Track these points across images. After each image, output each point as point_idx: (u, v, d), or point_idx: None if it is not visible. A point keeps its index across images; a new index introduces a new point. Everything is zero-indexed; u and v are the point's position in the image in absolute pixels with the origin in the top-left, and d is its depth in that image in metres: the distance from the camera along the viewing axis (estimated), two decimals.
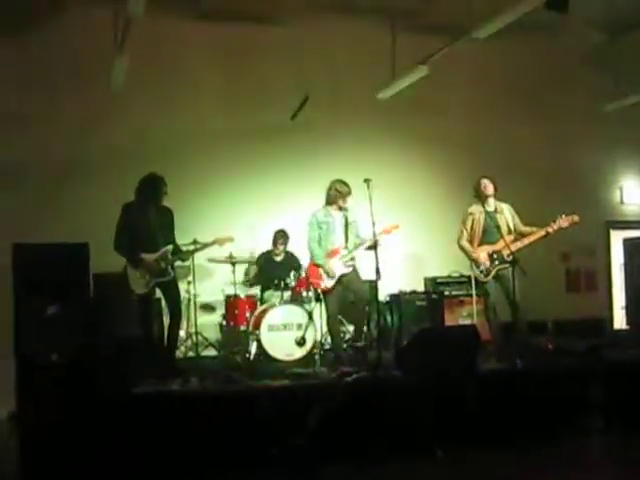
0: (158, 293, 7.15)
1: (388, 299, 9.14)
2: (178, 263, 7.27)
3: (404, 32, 9.09)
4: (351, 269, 7.39)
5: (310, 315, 7.82)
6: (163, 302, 7.28)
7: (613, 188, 11.08)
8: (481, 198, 7.59)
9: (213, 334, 8.71)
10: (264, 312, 7.94)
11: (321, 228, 7.41)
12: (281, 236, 8.71)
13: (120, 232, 6.81)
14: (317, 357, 7.56)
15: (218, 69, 9.25)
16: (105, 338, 6.72)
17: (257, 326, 7.83)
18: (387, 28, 9.12)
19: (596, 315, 9.95)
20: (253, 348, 7.91)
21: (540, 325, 8.98)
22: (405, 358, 6.57)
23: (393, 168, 9.56)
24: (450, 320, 8.84)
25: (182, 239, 7.29)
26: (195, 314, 7.95)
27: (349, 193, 7.41)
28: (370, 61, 9.22)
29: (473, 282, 7.76)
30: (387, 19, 9.11)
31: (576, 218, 7.45)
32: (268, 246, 8.77)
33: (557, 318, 9.46)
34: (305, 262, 7.99)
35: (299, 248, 8.47)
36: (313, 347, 7.74)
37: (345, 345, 8.06)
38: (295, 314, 7.88)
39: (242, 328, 8.21)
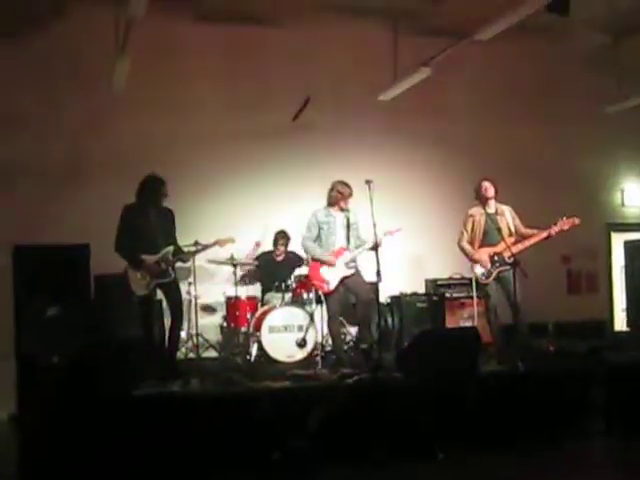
0: (159, 294, 7.15)
1: (389, 301, 9.13)
2: (179, 264, 7.27)
3: (406, 34, 9.09)
4: (353, 270, 7.38)
5: (311, 317, 7.81)
6: (164, 303, 7.27)
7: (614, 190, 11.07)
8: (482, 200, 7.59)
9: (214, 335, 8.71)
10: (265, 313, 7.94)
11: (322, 228, 7.40)
12: (282, 236, 8.71)
13: (121, 234, 6.80)
14: (318, 359, 7.55)
15: (219, 70, 9.25)
16: (106, 339, 6.72)
17: (258, 327, 7.84)
18: (389, 30, 9.13)
19: (597, 317, 9.93)
20: (254, 349, 7.91)
21: (541, 327, 8.98)
22: (406, 360, 6.57)
23: (394, 169, 9.55)
24: (451, 322, 8.84)
25: (183, 240, 7.29)
26: (196, 315, 7.95)
27: (350, 194, 7.40)
28: (372, 63, 9.22)
29: (474, 284, 7.76)
30: (389, 21, 9.12)
31: (577, 221, 7.45)
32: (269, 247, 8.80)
33: (558, 320, 9.44)
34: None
35: (299, 249, 8.47)
36: (314, 349, 7.74)
37: (346, 347, 8.07)
38: (296, 315, 7.88)
39: (243, 329, 8.21)
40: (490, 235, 7.51)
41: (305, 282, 7.99)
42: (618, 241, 10.71)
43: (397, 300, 9.14)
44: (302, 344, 7.76)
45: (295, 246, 8.60)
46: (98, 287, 7.92)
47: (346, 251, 7.38)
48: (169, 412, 5.66)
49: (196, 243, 7.50)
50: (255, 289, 8.83)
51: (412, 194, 9.76)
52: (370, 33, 9.25)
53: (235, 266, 8.46)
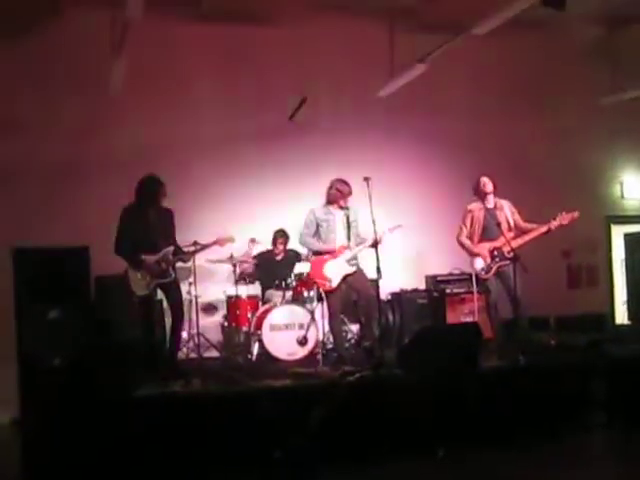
0: (160, 295, 7.17)
1: (389, 298, 9.14)
2: (179, 264, 7.28)
3: (402, 30, 9.08)
4: (355, 268, 7.40)
5: (312, 314, 7.82)
6: (165, 303, 7.28)
7: (613, 183, 11.06)
8: (480, 196, 7.61)
9: (215, 335, 8.72)
10: (266, 312, 7.94)
11: (321, 226, 7.42)
12: (281, 235, 8.71)
13: (120, 235, 6.81)
14: (319, 357, 7.56)
15: (217, 70, 9.23)
16: (107, 341, 6.73)
17: (259, 326, 7.84)
18: (386, 26, 9.11)
19: (597, 310, 9.93)
20: (255, 348, 7.92)
21: (542, 321, 8.97)
22: (407, 357, 6.57)
23: (393, 166, 9.55)
24: (452, 318, 8.84)
25: (183, 240, 7.30)
26: (197, 315, 7.95)
27: (350, 193, 7.41)
28: (369, 60, 9.21)
29: (474, 279, 7.77)
30: (385, 17, 9.10)
31: (576, 215, 7.46)
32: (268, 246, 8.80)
33: (558, 314, 9.44)
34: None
35: (298, 247, 8.48)
36: (315, 347, 7.74)
37: (347, 345, 8.08)
38: (297, 314, 7.89)
39: (244, 328, 8.22)
40: (489, 230, 7.52)
41: (306, 280, 8.00)
42: (618, 234, 10.71)
43: (397, 297, 9.15)
44: (303, 342, 7.76)
45: (294, 245, 8.61)
46: (98, 288, 7.93)
47: (347, 249, 7.39)
48: (170, 412, 5.67)
49: (195, 243, 7.51)
50: (256, 288, 8.84)
51: (411, 190, 9.75)
52: (367, 30, 9.23)
53: (235, 265, 8.47)
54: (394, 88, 9.02)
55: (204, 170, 9.00)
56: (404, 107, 9.41)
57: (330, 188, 7.47)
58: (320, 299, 7.69)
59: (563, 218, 7.42)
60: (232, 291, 8.50)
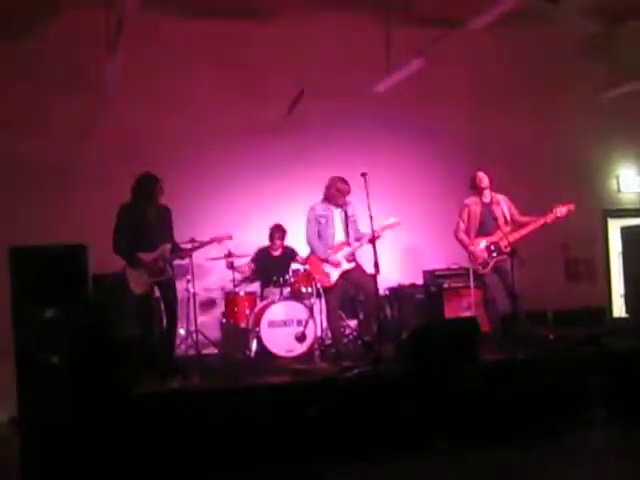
0: (158, 292, 7.16)
1: (387, 293, 9.14)
2: (177, 262, 7.27)
3: (399, 24, 9.04)
4: (354, 264, 7.40)
5: (310, 311, 7.81)
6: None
7: (610, 177, 11.07)
8: (477, 190, 7.62)
9: (213, 332, 8.71)
10: (264, 309, 7.94)
11: (320, 222, 7.42)
12: (278, 230, 8.69)
13: (118, 233, 6.81)
14: (318, 353, 7.55)
15: (213, 66, 9.21)
16: (105, 339, 6.71)
17: (257, 323, 7.83)
18: (382, 20, 9.09)
19: (595, 304, 9.94)
20: (253, 345, 7.91)
21: (540, 315, 8.98)
22: (406, 352, 6.58)
23: (390, 161, 9.55)
24: (450, 312, 8.83)
25: (180, 237, 7.29)
26: (195, 312, 7.95)
27: (349, 192, 7.42)
28: (365, 55, 9.18)
29: (472, 274, 7.77)
30: (381, 11, 9.08)
31: (572, 207, 7.48)
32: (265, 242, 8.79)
33: (556, 308, 9.46)
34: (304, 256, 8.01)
35: (296, 243, 8.47)
36: (313, 343, 7.74)
37: (345, 340, 8.07)
38: (295, 310, 7.88)
39: (242, 325, 8.21)
40: (486, 225, 7.55)
41: (304, 276, 7.99)
42: (615, 227, 10.72)
43: (395, 292, 9.15)
44: (302, 338, 7.76)
45: (292, 242, 8.61)
46: (96, 286, 7.91)
47: (346, 246, 7.40)
48: (169, 409, 5.66)
49: (192, 240, 7.51)
50: (253, 284, 8.83)
51: (408, 185, 9.74)
52: (363, 25, 9.21)
53: (233, 263, 8.46)
54: (391, 83, 9.00)
55: (201, 167, 9.00)
56: (401, 102, 9.40)
57: (330, 187, 7.46)
58: (318, 295, 7.69)
59: (559, 210, 7.44)
60: (230, 288, 8.50)
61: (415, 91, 9.31)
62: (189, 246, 7.40)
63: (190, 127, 9.00)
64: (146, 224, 6.84)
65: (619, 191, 11.13)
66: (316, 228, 7.43)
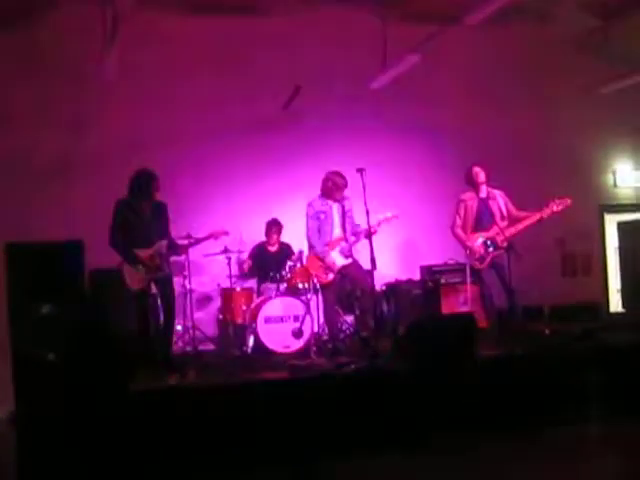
0: (154, 289, 7.14)
1: (384, 288, 9.14)
2: (173, 258, 7.26)
3: (395, 20, 9.04)
4: (351, 260, 7.41)
5: (307, 306, 7.81)
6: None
7: (606, 172, 11.07)
8: (473, 185, 7.62)
9: (210, 328, 8.71)
10: (260, 304, 7.93)
11: (319, 218, 7.41)
12: (274, 225, 8.68)
13: (114, 229, 6.80)
14: (314, 349, 7.55)
15: (210, 61, 9.18)
16: (102, 335, 6.71)
17: (254, 319, 7.83)
18: (379, 16, 9.08)
19: (592, 299, 9.95)
20: (250, 341, 7.91)
21: (536, 310, 9.00)
22: (403, 347, 6.58)
23: (386, 157, 9.53)
24: (447, 308, 8.82)
25: (176, 233, 7.29)
26: (191, 308, 7.94)
27: (345, 185, 7.42)
28: (362, 50, 9.17)
29: (468, 269, 7.77)
30: (378, 7, 9.06)
31: (568, 201, 7.49)
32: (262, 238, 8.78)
33: (553, 303, 9.46)
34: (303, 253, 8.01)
35: (293, 239, 8.47)
36: (310, 338, 7.74)
37: (342, 336, 8.08)
38: (292, 306, 7.88)
39: (239, 321, 8.21)
40: (482, 220, 7.56)
41: (301, 272, 7.98)
42: (611, 222, 10.73)
43: (392, 287, 9.14)
44: (298, 334, 7.76)
45: (289, 237, 8.61)
46: (93, 282, 7.91)
47: (343, 241, 7.40)
48: (166, 406, 5.66)
49: (188, 236, 7.50)
50: (250, 280, 8.83)
51: (405, 181, 9.74)
52: (359, 21, 9.19)
53: (229, 258, 8.45)
54: (387, 79, 8.98)
55: (198, 162, 8.98)
56: (397, 97, 9.38)
57: (326, 181, 7.47)
58: (315, 291, 7.69)
59: (555, 204, 7.45)
60: (226, 284, 8.50)
61: (412, 87, 9.29)
62: (185, 242, 7.39)
63: (187, 123, 8.98)
64: (142, 220, 6.83)
65: (615, 186, 11.13)
66: (316, 224, 7.42)
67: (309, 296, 7.83)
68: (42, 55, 8.55)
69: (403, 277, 9.32)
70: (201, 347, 8.15)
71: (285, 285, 8.14)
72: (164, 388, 6.04)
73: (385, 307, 9.01)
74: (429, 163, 9.89)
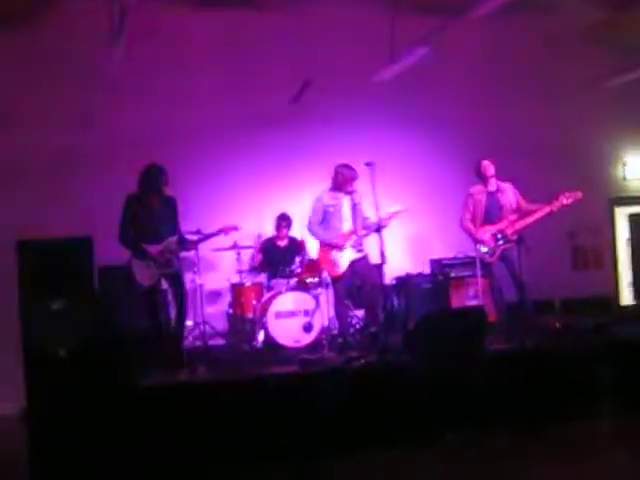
0: (164, 284, 7.15)
1: (394, 282, 9.12)
2: (183, 253, 7.26)
3: (402, 13, 8.99)
4: (363, 253, 7.39)
5: (317, 301, 7.81)
6: (169, 293, 7.27)
7: (616, 164, 11.01)
8: (482, 179, 7.60)
9: (220, 323, 8.71)
10: (271, 299, 7.93)
11: (327, 212, 7.39)
12: (283, 219, 8.68)
13: (124, 224, 6.80)
14: (325, 343, 7.55)
15: (216, 56, 9.16)
16: (112, 331, 6.73)
17: (264, 313, 7.83)
18: (385, 10, 9.04)
19: (603, 292, 9.91)
20: (260, 336, 7.91)
21: (547, 304, 8.97)
22: (413, 341, 6.57)
23: (394, 150, 9.50)
24: (457, 301, 8.82)
25: (186, 228, 7.29)
26: (202, 304, 7.95)
27: (355, 177, 7.39)
28: (369, 43, 9.12)
29: (478, 263, 7.75)
30: (386, 1, 9.03)
31: (579, 194, 7.46)
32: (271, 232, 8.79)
33: (564, 296, 9.43)
34: (310, 247, 7.99)
35: (303, 234, 8.46)
36: (320, 333, 7.74)
37: (352, 330, 8.07)
38: (302, 300, 7.88)
39: (249, 316, 8.20)
40: (492, 213, 7.54)
41: (311, 266, 7.97)
42: (621, 215, 10.68)
43: (402, 281, 9.12)
44: (309, 329, 7.75)
45: (298, 231, 8.60)
46: (103, 278, 7.91)
47: (353, 234, 7.38)
48: (177, 401, 5.67)
49: (198, 231, 7.49)
50: (260, 275, 8.83)
51: (414, 174, 9.71)
52: (367, 14, 9.16)
53: (239, 253, 8.45)
54: (395, 72, 8.94)
55: (206, 157, 8.97)
56: (405, 91, 9.34)
57: (335, 174, 7.45)
58: (326, 285, 7.69)
59: (565, 198, 7.43)
60: (236, 279, 8.50)
61: (419, 80, 9.25)
62: (195, 238, 7.38)
63: (194, 117, 8.95)
64: (152, 214, 6.83)
65: (625, 179, 11.07)
66: (320, 217, 7.40)
67: (319, 290, 7.82)
68: (48, 52, 8.53)
69: (413, 271, 9.29)
70: (211, 342, 8.17)
71: (295, 279, 8.13)
72: (174, 384, 6.05)
73: (395, 301, 9.00)
74: (438, 156, 9.85)
